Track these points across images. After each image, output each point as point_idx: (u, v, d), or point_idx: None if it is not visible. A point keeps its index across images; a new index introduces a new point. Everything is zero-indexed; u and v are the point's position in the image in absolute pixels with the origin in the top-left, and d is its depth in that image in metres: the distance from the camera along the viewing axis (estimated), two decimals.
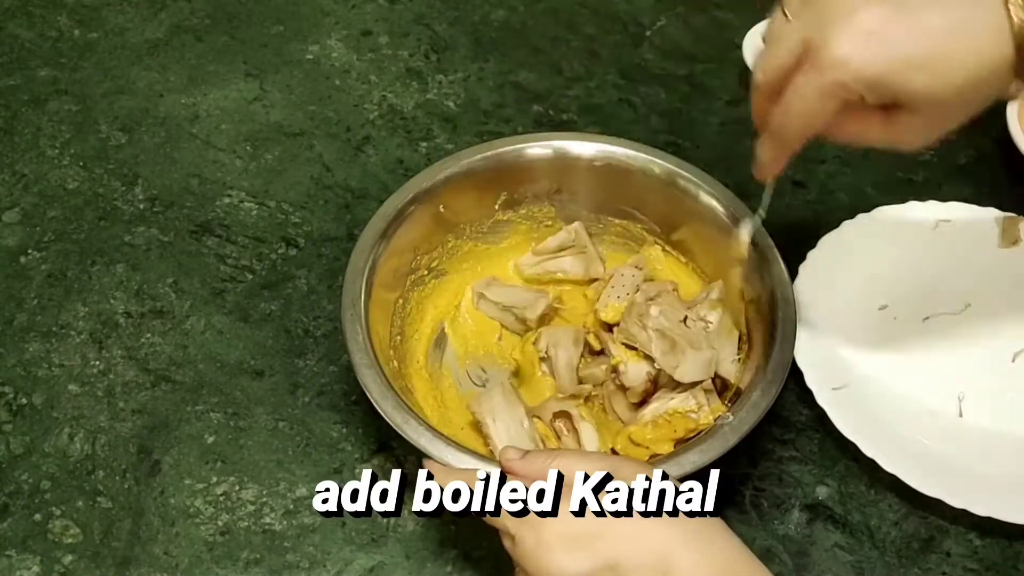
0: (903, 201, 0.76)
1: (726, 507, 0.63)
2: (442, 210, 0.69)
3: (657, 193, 0.70)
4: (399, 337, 0.67)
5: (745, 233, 0.64)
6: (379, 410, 0.58)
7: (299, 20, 0.95)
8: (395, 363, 0.65)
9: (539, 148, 0.71)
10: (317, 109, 0.87)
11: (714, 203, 0.68)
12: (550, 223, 0.73)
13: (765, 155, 0.55)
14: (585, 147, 0.71)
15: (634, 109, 0.87)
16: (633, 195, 0.71)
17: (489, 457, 0.56)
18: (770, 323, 0.62)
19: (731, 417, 0.58)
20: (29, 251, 0.77)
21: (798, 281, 0.70)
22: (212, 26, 0.94)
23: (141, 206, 0.80)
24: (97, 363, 0.70)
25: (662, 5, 0.96)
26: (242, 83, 0.89)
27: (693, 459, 0.56)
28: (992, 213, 0.75)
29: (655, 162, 0.70)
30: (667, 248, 0.72)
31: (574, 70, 0.91)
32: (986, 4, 0.48)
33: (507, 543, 0.51)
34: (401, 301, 0.68)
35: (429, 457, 0.56)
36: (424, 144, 0.84)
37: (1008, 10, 0.47)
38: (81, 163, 0.83)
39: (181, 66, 0.90)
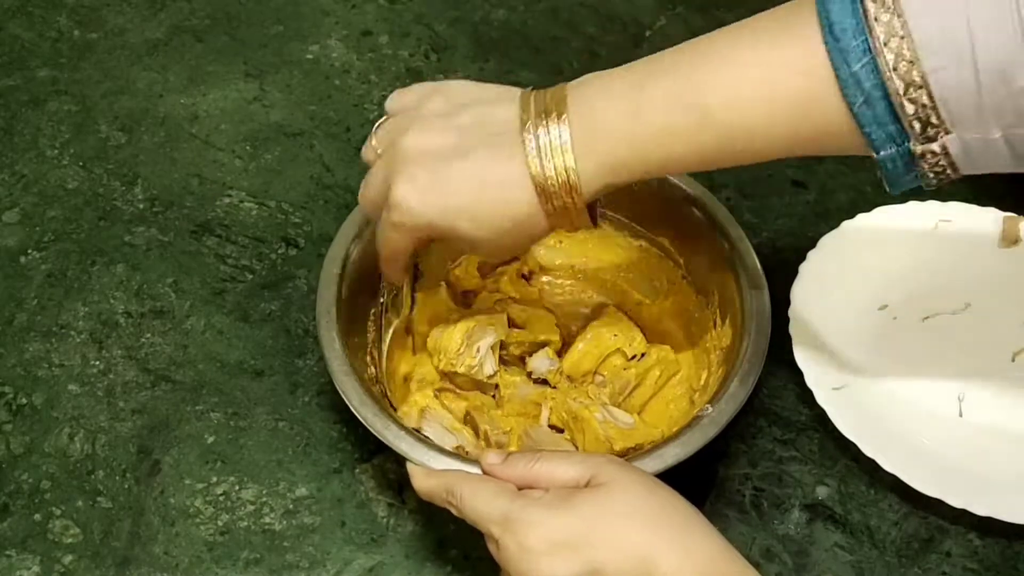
0: (903, 201, 0.75)
1: (726, 507, 0.63)
2: None
3: (636, 191, 0.70)
4: (376, 342, 0.67)
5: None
6: (359, 417, 0.58)
7: (299, 20, 0.95)
8: (372, 369, 0.65)
9: None
10: (317, 109, 0.87)
11: (691, 204, 0.68)
12: None
13: (383, 267, 0.62)
14: None
15: None
16: (612, 193, 0.71)
17: (470, 459, 0.56)
18: (743, 313, 0.63)
19: (711, 408, 0.58)
20: (29, 251, 0.77)
21: (798, 281, 0.70)
22: (212, 26, 0.94)
23: (141, 206, 0.80)
24: (97, 363, 0.70)
25: (662, 5, 0.96)
26: (242, 83, 0.89)
27: (675, 451, 0.56)
28: (992, 213, 0.75)
29: None
30: (646, 247, 0.72)
31: (574, 70, 0.90)
32: (511, 158, 0.53)
33: (491, 547, 0.51)
34: (376, 307, 0.68)
35: (411, 461, 0.56)
36: None
37: (527, 162, 0.52)
38: (81, 163, 0.83)
39: (181, 66, 0.90)
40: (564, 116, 0.52)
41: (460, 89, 0.57)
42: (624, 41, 0.93)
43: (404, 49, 0.92)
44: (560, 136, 0.52)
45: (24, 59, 0.91)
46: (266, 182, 0.82)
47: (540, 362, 0.67)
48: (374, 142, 0.57)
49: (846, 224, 0.74)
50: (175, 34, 0.93)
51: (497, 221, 0.54)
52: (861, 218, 0.74)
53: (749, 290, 0.63)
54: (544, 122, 0.52)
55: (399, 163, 0.54)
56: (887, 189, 0.50)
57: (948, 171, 0.48)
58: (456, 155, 0.54)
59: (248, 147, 0.84)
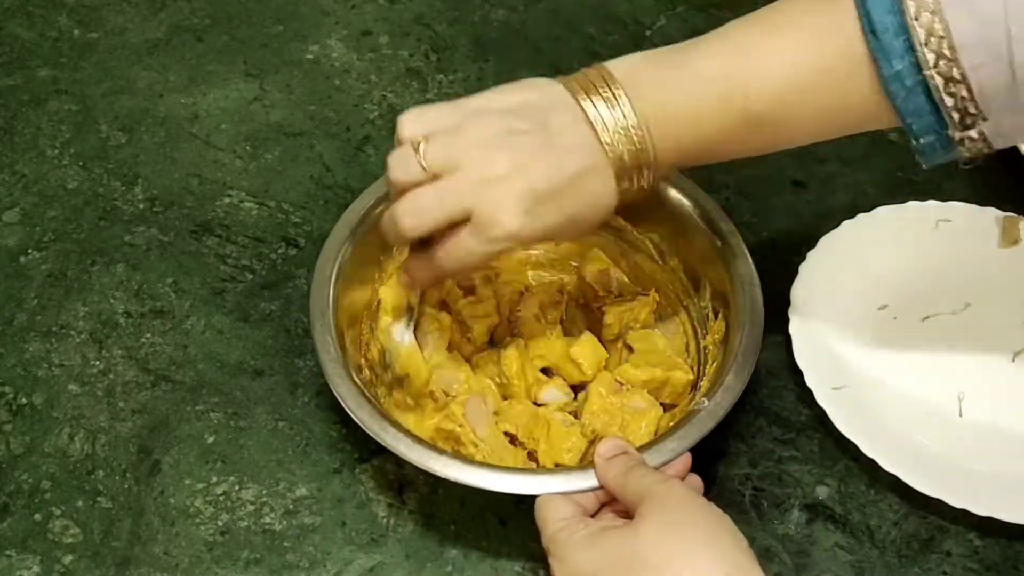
0: (903, 201, 0.75)
1: (726, 507, 0.63)
2: None
3: None
4: (370, 344, 0.67)
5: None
6: (356, 420, 0.58)
7: (299, 20, 0.95)
8: (367, 371, 0.65)
9: None
10: (317, 109, 0.87)
11: (683, 199, 0.68)
12: None
13: (419, 275, 0.60)
14: None
15: None
16: None
17: (467, 459, 0.57)
18: (736, 306, 0.63)
19: (706, 402, 0.58)
20: (29, 251, 0.77)
21: (798, 281, 0.70)
22: (212, 26, 0.94)
23: (141, 206, 0.80)
24: (97, 363, 0.70)
25: (662, 5, 0.96)
26: (242, 83, 0.89)
27: (672, 446, 0.56)
28: (992, 213, 0.75)
29: None
30: (633, 245, 0.72)
31: (574, 70, 0.90)
32: (592, 152, 0.55)
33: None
34: (370, 309, 0.68)
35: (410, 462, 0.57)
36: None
37: (605, 149, 0.55)
38: (81, 163, 0.83)
39: (181, 66, 0.90)
40: (620, 95, 0.55)
41: (490, 99, 0.57)
42: (624, 41, 0.93)
43: (404, 49, 0.92)
44: (625, 116, 0.55)
45: (24, 59, 0.91)
46: (266, 182, 0.82)
47: (551, 395, 0.67)
48: (425, 162, 0.54)
49: (846, 224, 0.74)
50: (175, 34, 0.93)
51: (587, 216, 0.56)
52: (861, 218, 0.74)
53: (741, 283, 0.63)
54: (605, 106, 0.55)
55: (494, 191, 0.54)
56: (922, 165, 0.53)
57: (984, 149, 0.50)
58: (549, 170, 0.54)
59: (248, 147, 0.84)
